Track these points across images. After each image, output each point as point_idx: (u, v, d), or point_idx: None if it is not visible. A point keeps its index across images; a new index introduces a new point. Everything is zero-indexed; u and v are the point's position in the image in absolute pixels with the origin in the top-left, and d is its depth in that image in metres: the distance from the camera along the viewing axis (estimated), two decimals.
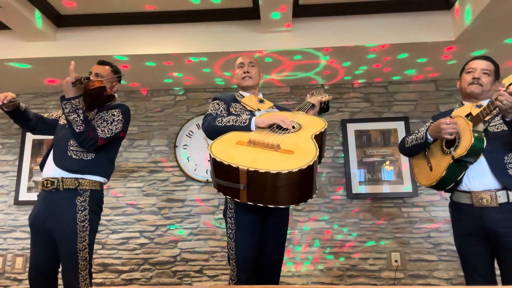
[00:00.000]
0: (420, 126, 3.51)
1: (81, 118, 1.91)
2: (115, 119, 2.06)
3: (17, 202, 3.61)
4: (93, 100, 2.07)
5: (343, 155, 3.57)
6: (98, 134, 1.96)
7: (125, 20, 3.06)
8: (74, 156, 1.97)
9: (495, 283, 1.88)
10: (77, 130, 1.90)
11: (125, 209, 3.58)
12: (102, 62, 2.18)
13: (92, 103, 2.08)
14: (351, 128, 3.61)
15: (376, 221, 3.43)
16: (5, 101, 1.97)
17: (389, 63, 3.30)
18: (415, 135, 2.09)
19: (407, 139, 2.15)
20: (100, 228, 3.51)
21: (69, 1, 2.85)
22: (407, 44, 2.96)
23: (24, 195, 3.61)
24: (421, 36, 2.92)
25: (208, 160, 3.55)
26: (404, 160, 3.47)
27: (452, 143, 1.89)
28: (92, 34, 3.09)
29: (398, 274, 3.31)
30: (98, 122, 2.03)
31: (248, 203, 1.60)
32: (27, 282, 3.45)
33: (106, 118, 2.05)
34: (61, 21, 3.07)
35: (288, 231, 2.14)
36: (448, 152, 1.89)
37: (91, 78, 2.04)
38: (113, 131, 2.03)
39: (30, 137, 3.74)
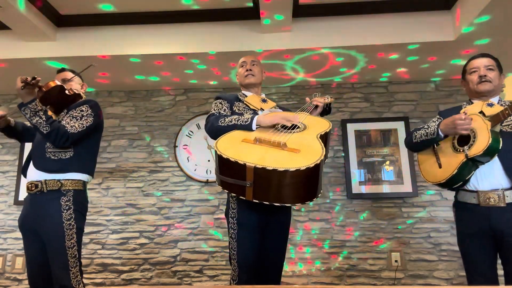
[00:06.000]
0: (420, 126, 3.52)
1: (44, 119, 1.91)
2: (84, 114, 2.07)
3: (17, 202, 3.61)
4: (58, 103, 2.08)
5: (343, 155, 3.57)
6: (68, 129, 1.96)
7: (125, 20, 3.06)
8: (53, 157, 2.00)
9: (497, 284, 1.87)
10: (44, 132, 1.91)
11: (125, 209, 3.58)
12: (61, 70, 2.26)
13: (58, 106, 2.09)
14: (351, 128, 3.61)
15: (376, 221, 3.43)
16: None
17: (389, 63, 3.30)
18: (425, 130, 2.00)
19: (416, 134, 2.07)
20: (100, 228, 3.54)
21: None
22: (407, 44, 2.96)
23: (24, 195, 3.57)
24: (421, 36, 2.92)
25: (208, 160, 3.59)
26: (404, 160, 3.48)
27: (464, 141, 1.86)
28: (92, 34, 3.09)
29: (398, 274, 3.31)
30: (67, 120, 2.04)
31: (254, 200, 1.59)
32: (27, 282, 3.45)
33: (75, 115, 2.06)
34: (61, 21, 3.07)
35: None
36: (461, 150, 1.84)
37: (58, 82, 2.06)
38: (84, 125, 2.04)
39: None
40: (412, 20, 2.95)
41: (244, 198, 1.61)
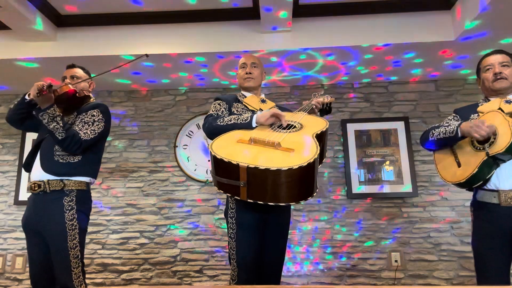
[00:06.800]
0: (420, 126, 3.52)
1: (61, 125, 1.93)
2: (96, 120, 2.09)
3: (17, 202, 3.61)
4: (68, 104, 2.09)
5: (343, 155, 3.57)
6: (81, 137, 1.99)
7: (125, 20, 3.06)
8: (61, 161, 2.01)
9: (508, 284, 1.84)
10: (59, 138, 1.92)
11: (125, 209, 3.58)
12: (72, 66, 2.25)
13: (68, 107, 2.10)
14: (351, 128, 3.61)
15: (376, 221, 3.43)
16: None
17: (389, 63, 3.30)
18: (444, 128, 1.94)
19: (433, 132, 2.00)
20: (100, 228, 3.54)
21: (69, 5, 2.86)
22: (407, 44, 2.96)
23: (24, 195, 3.61)
24: (421, 36, 2.92)
25: (208, 160, 3.59)
26: (404, 160, 3.47)
27: (483, 139, 1.81)
28: (92, 34, 3.09)
29: (398, 274, 3.31)
30: (79, 125, 2.05)
31: (248, 200, 1.60)
32: (27, 282, 3.46)
33: (87, 120, 2.08)
34: (61, 21, 3.07)
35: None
36: (481, 148, 1.80)
37: (65, 82, 2.06)
38: (96, 131, 2.07)
39: (30, 137, 3.74)
40: (412, 20, 2.95)
41: (239, 198, 1.62)
